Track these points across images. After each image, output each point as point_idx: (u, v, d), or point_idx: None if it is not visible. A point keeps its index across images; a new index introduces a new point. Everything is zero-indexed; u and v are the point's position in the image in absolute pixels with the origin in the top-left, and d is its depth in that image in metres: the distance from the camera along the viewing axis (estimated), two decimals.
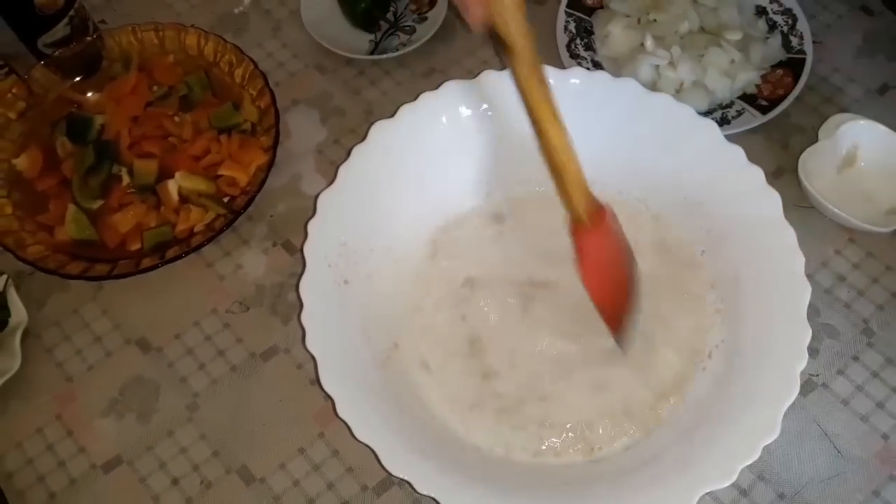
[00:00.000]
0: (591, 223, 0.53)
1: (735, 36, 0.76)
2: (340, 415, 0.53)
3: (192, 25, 0.80)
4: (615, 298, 0.58)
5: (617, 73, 0.75)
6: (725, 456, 0.51)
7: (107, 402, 0.67)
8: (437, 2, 0.84)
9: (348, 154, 0.62)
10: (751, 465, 0.51)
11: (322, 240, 0.60)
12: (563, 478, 0.57)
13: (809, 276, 0.57)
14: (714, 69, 0.75)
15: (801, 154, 0.71)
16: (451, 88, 0.65)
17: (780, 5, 0.81)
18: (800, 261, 0.57)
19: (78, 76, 0.79)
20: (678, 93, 0.75)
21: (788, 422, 0.52)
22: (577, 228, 0.53)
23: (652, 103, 0.64)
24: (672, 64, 0.75)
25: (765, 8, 0.81)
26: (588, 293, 0.58)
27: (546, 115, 0.49)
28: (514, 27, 0.47)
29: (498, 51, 0.48)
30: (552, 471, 0.58)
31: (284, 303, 0.70)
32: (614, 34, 0.79)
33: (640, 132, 0.65)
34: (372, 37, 0.84)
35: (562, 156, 0.51)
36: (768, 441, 0.51)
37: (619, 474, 0.55)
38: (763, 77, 0.77)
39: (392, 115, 0.64)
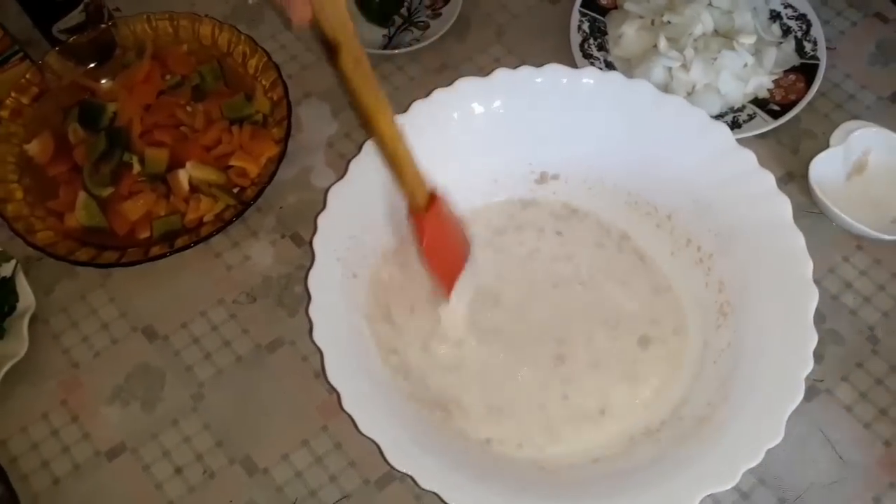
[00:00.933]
0: (425, 208, 0.55)
1: (749, 40, 0.76)
2: (346, 408, 0.53)
3: (207, 15, 0.80)
4: (451, 268, 0.61)
5: (629, 74, 0.75)
6: (728, 458, 0.51)
7: (112, 389, 0.67)
8: None
9: (359, 149, 0.63)
10: (752, 468, 0.51)
11: (331, 233, 0.60)
12: (567, 477, 0.57)
13: (816, 281, 0.57)
14: (727, 72, 0.75)
15: (811, 160, 0.71)
16: (464, 85, 0.65)
17: (795, 10, 0.81)
18: (808, 266, 0.57)
19: (92, 63, 0.79)
20: (690, 95, 0.75)
21: (791, 426, 0.52)
22: (415, 213, 0.55)
23: (664, 105, 0.64)
24: (685, 66, 0.75)
25: (779, 13, 0.81)
26: (426, 267, 0.61)
27: (374, 106, 0.50)
28: (338, 21, 0.48)
29: (324, 47, 0.49)
30: (555, 469, 0.58)
31: (291, 295, 0.71)
32: (628, 35, 0.79)
33: (652, 134, 0.65)
34: (385, 31, 0.84)
35: (393, 145, 0.52)
36: (772, 445, 0.51)
37: (622, 474, 0.55)
38: (775, 82, 0.77)
39: (405, 111, 0.64)
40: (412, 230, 0.58)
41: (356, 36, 0.49)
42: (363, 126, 0.52)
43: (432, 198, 0.56)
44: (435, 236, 0.57)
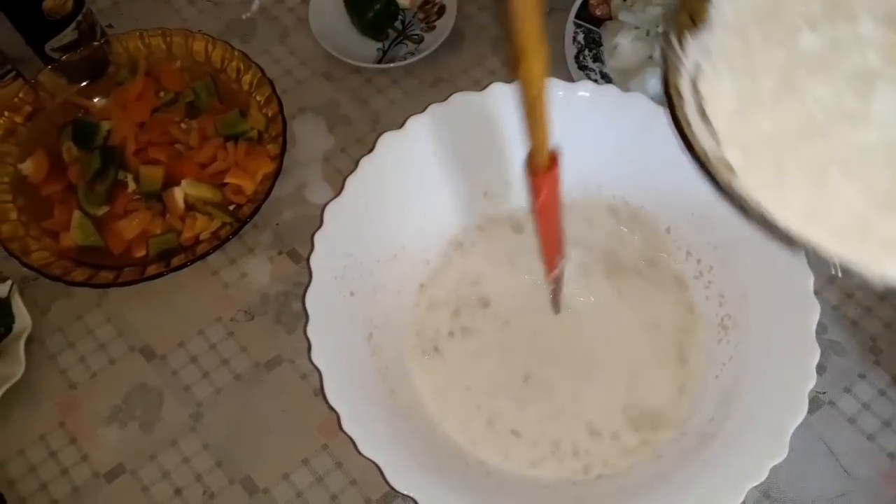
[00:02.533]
0: (547, 168, 0.53)
1: None
2: (346, 429, 0.52)
3: (200, 31, 0.80)
4: (556, 239, 0.59)
5: (625, 85, 0.75)
6: (733, 476, 0.51)
7: (110, 409, 0.67)
8: (446, 11, 0.83)
9: (356, 165, 0.62)
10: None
11: (329, 251, 0.59)
12: (569, 495, 0.57)
13: (817, 292, 0.56)
14: None
15: None
16: (460, 100, 0.65)
17: None
18: (809, 279, 0.56)
19: (85, 81, 0.79)
20: None
21: (795, 440, 0.52)
22: (535, 170, 0.53)
23: (661, 118, 0.64)
24: None
25: None
26: (538, 227, 0.59)
27: (533, 46, 0.45)
28: None
29: None
30: (558, 488, 0.57)
31: (289, 312, 0.70)
32: (623, 46, 0.78)
33: (649, 146, 0.64)
34: (380, 45, 0.84)
35: (538, 92, 0.49)
36: (776, 462, 0.51)
37: (625, 492, 0.55)
38: None
39: (400, 126, 0.64)
40: (528, 187, 0.56)
41: None
42: (511, 66, 0.49)
43: (553, 158, 0.53)
44: (550, 197, 0.55)
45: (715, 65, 0.53)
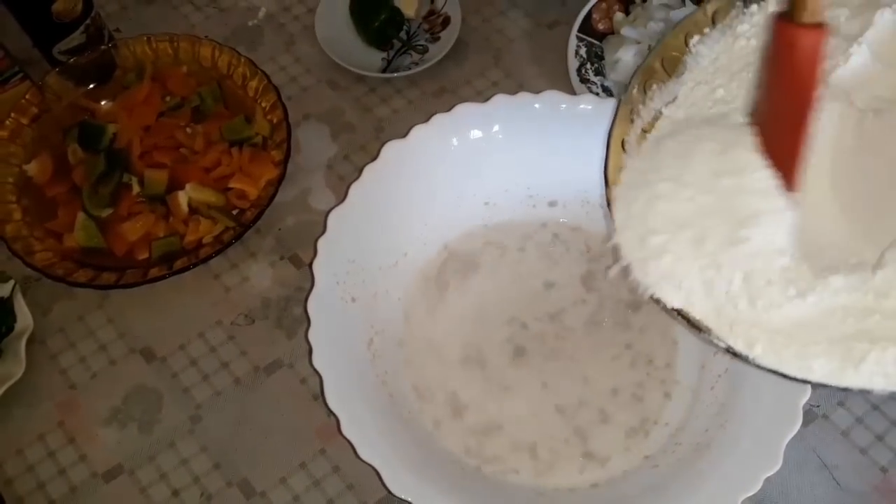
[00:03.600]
0: (809, 27, 0.44)
1: None
2: (345, 433, 0.53)
3: (207, 37, 0.81)
4: (798, 127, 0.46)
5: None
6: (726, 486, 0.52)
7: (109, 410, 0.67)
8: (450, 22, 0.84)
9: (360, 172, 0.63)
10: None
11: (331, 257, 0.60)
12: (565, 502, 0.57)
13: None
14: None
15: None
16: (463, 110, 0.65)
17: None
18: None
19: (91, 84, 0.80)
20: None
21: (788, 451, 0.52)
22: (791, 22, 0.44)
23: None
24: None
25: None
26: (769, 108, 0.49)
27: None
28: None
29: None
30: (554, 496, 0.58)
31: (290, 317, 0.71)
32: (624, 60, 0.79)
33: None
34: (384, 55, 0.85)
35: None
36: (769, 473, 0.52)
37: (621, 501, 0.56)
38: None
39: (404, 135, 0.64)
40: (772, 39, 0.46)
41: None
42: None
43: (820, 26, 0.43)
44: (801, 63, 0.44)
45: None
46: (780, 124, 0.48)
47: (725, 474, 0.53)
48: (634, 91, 0.57)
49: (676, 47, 0.57)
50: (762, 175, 0.49)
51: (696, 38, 0.57)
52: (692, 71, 0.57)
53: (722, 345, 0.49)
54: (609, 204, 0.55)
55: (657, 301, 0.51)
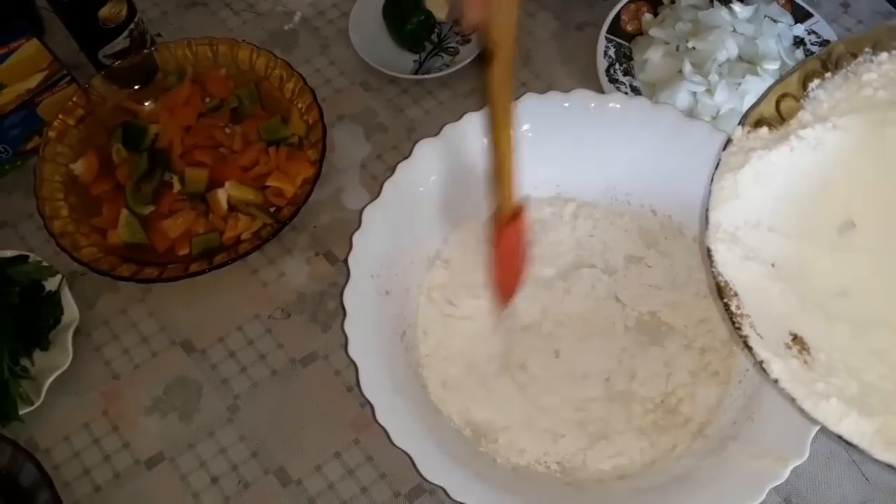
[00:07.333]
0: (508, 220, 0.59)
1: (773, 65, 0.77)
2: (379, 420, 0.54)
3: (244, 40, 0.83)
4: (511, 278, 0.64)
5: (655, 99, 0.77)
6: (754, 476, 0.52)
7: (151, 400, 0.69)
8: None
9: (393, 170, 0.65)
10: (778, 487, 0.52)
11: (366, 251, 0.62)
12: (594, 492, 0.58)
13: None
14: (751, 97, 0.76)
15: None
16: None
17: (819, 37, 0.82)
18: None
19: (134, 86, 0.82)
20: (715, 119, 0.77)
21: (817, 446, 0.53)
22: (498, 221, 0.60)
23: (690, 129, 0.66)
24: (709, 91, 0.76)
25: (802, 39, 0.82)
26: (494, 268, 0.63)
27: (502, 120, 0.54)
28: (505, 30, 0.50)
29: (484, 51, 0.51)
30: (581, 485, 0.59)
31: (324, 311, 0.73)
32: (653, 60, 0.80)
33: (678, 157, 0.66)
34: (416, 57, 0.87)
35: (503, 159, 0.56)
36: (797, 463, 0.52)
37: (648, 491, 0.56)
38: None
39: (436, 134, 0.66)
40: (490, 233, 0.62)
41: (513, 50, 0.51)
42: (487, 130, 0.56)
43: (517, 213, 0.59)
44: (508, 248, 0.61)
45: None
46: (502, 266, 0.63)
47: (752, 465, 0.53)
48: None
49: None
50: None
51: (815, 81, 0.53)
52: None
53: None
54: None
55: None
